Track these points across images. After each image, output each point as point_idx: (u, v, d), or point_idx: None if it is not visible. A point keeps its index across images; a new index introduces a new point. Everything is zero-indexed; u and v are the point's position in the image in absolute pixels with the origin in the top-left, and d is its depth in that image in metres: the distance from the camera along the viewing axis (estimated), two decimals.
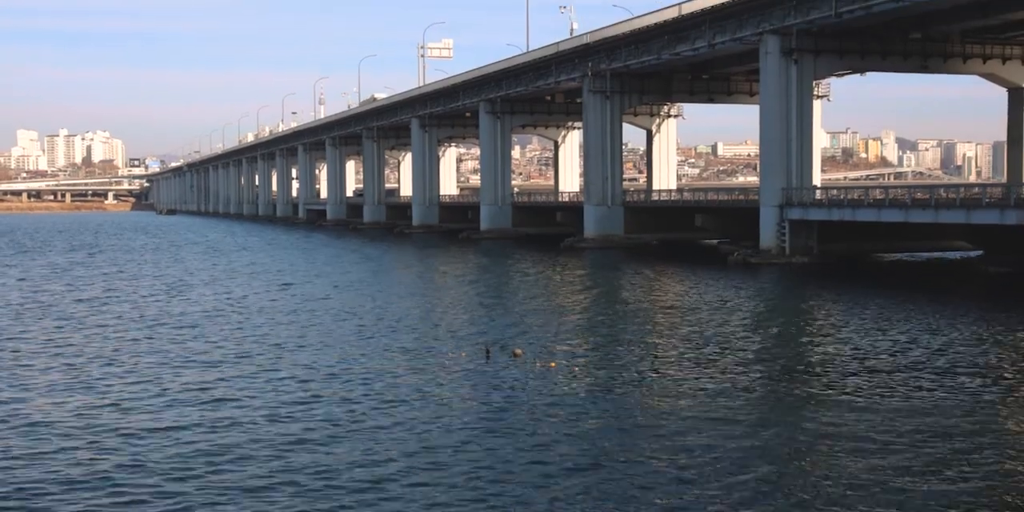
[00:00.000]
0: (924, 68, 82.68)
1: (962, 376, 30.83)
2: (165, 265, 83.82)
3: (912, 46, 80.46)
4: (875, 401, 27.32)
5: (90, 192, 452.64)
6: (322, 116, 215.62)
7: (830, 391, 28.89)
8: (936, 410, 26.13)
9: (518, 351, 35.47)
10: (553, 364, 33.00)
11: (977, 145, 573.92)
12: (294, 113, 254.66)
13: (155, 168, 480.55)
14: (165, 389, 30.01)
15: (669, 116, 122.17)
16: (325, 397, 28.66)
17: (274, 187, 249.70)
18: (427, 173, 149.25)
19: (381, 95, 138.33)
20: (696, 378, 30.83)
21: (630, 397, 28.34)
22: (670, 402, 27.55)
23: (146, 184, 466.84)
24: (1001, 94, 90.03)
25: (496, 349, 36.07)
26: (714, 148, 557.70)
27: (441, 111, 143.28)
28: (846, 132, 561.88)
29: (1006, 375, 31.63)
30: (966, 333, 39.64)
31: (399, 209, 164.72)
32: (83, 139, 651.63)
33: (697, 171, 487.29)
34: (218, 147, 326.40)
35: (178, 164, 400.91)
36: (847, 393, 28.46)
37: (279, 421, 25.89)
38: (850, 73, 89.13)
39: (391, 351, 36.44)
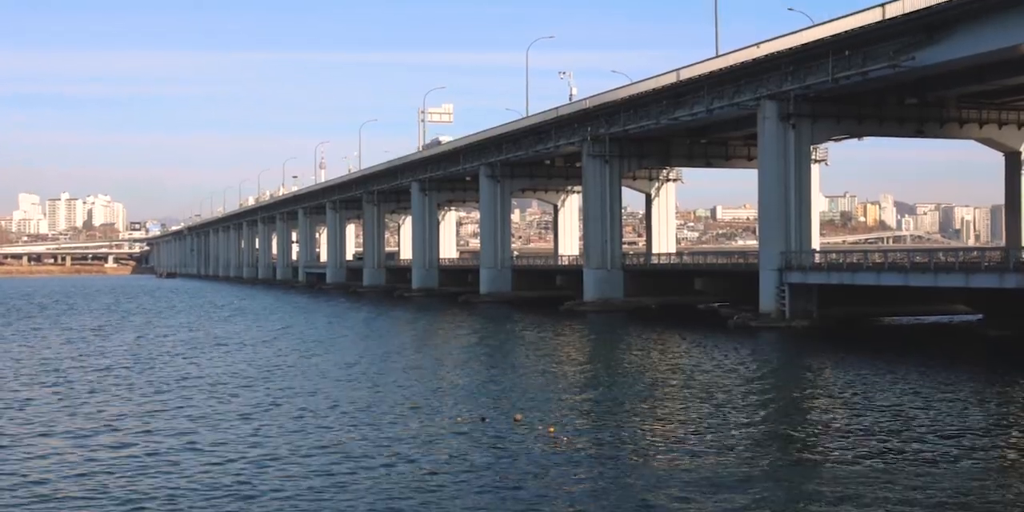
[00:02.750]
0: (920, 133, 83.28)
1: (960, 442, 30.59)
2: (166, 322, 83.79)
3: (908, 111, 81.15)
4: (873, 468, 27.11)
5: (90, 255, 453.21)
6: (322, 180, 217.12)
7: (828, 459, 28.68)
8: (932, 477, 25.90)
9: (518, 416, 35.23)
10: (552, 429, 32.74)
11: (975, 209, 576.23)
12: (295, 177, 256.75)
13: (156, 231, 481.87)
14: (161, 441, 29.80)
15: (668, 180, 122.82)
16: (317, 466, 28.40)
17: (274, 250, 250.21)
18: (427, 236, 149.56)
19: (446, 138, 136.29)
20: (697, 444, 30.57)
21: (630, 464, 28.08)
22: (669, 469, 27.30)
23: (146, 247, 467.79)
24: (998, 158, 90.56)
25: (497, 414, 35.84)
26: (713, 212, 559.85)
27: (441, 175, 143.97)
28: (844, 196, 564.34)
29: (1005, 441, 31.38)
30: (965, 399, 39.39)
31: (399, 272, 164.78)
32: (84, 203, 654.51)
33: (696, 234, 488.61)
34: (219, 210, 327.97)
35: (179, 227, 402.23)
36: (845, 459, 28.25)
37: (267, 486, 25.66)
38: (847, 138, 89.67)
39: (389, 416, 36.16)
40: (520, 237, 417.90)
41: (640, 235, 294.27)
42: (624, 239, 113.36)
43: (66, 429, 34.10)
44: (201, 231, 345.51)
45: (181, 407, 38.81)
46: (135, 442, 31.68)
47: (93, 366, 53.91)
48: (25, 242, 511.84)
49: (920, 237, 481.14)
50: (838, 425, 33.95)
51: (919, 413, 35.78)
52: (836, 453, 29.14)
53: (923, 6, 62.97)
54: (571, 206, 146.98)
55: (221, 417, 36.30)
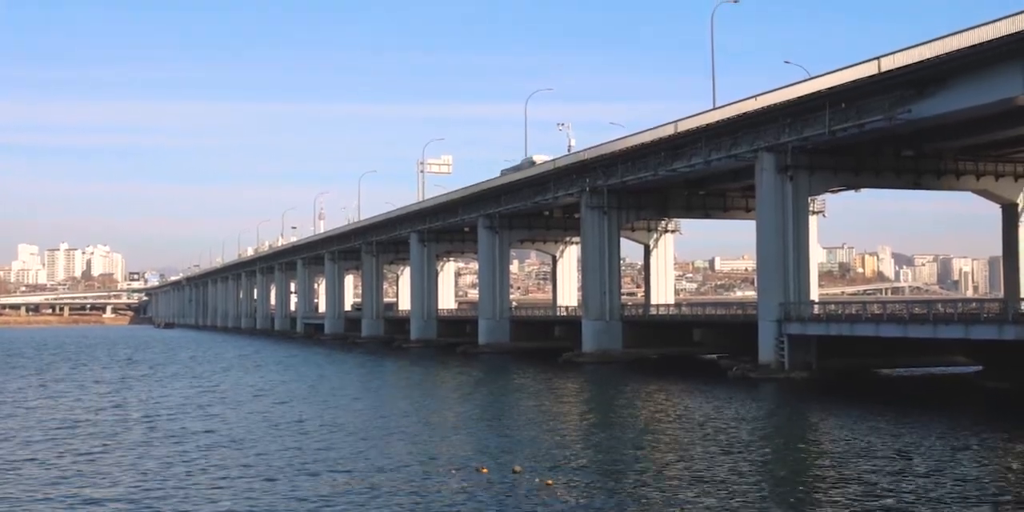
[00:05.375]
0: (917, 185, 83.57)
1: (962, 500, 30.42)
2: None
3: (905, 163, 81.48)
4: None
5: (89, 306, 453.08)
6: (321, 230, 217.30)
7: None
8: None
9: (518, 468, 35.02)
10: (550, 482, 32.54)
11: (973, 260, 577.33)
12: (294, 227, 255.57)
13: (154, 282, 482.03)
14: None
15: (666, 231, 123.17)
16: None
17: (272, 301, 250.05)
18: (426, 287, 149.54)
19: (541, 157, 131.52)
20: (696, 501, 30.37)
21: None
22: None
23: (144, 298, 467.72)
24: (996, 210, 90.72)
25: (496, 465, 35.63)
26: (711, 263, 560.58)
27: (440, 226, 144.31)
28: (842, 247, 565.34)
29: (1003, 497, 31.21)
30: (964, 453, 39.20)
31: (397, 323, 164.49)
32: (83, 253, 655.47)
33: (695, 285, 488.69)
34: (217, 261, 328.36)
35: (177, 278, 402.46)
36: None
37: None
38: (845, 189, 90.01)
39: (388, 467, 35.96)
40: (519, 288, 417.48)
41: (639, 286, 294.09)
42: (623, 290, 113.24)
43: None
44: (200, 281, 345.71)
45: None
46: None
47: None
48: (23, 292, 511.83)
49: (918, 288, 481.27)
50: (834, 479, 33.74)
51: (916, 468, 35.58)
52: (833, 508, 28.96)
53: (918, 60, 63.51)
54: (570, 257, 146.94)
55: (227, 466, 36.17)
